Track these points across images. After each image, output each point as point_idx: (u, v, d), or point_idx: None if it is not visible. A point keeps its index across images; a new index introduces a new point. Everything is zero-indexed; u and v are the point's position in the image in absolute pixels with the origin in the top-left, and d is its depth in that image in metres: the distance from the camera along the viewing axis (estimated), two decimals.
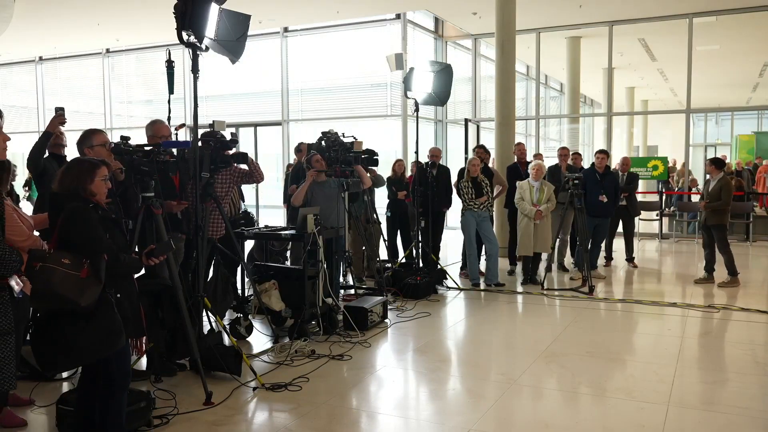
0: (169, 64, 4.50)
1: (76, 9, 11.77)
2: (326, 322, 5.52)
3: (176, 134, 4.95)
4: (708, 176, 7.88)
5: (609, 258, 9.04)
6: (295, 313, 5.49)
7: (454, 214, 12.69)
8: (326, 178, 6.26)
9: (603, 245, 8.59)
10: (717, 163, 7.60)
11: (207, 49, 4.38)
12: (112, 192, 3.60)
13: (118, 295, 3.05)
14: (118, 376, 3.13)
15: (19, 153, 17.64)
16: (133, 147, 4.16)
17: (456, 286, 7.54)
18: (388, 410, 4.04)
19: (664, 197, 13.70)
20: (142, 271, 3.88)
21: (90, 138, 4.18)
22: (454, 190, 8.11)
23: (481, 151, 8.23)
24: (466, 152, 12.74)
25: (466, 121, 13.15)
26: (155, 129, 4.78)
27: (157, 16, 11.45)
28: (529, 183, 7.52)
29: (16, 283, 3.20)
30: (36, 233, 3.74)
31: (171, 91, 4.50)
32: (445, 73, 7.45)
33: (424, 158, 8.02)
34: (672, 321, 6.07)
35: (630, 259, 8.95)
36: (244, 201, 7.29)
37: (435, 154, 8.21)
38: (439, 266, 7.79)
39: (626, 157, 9.31)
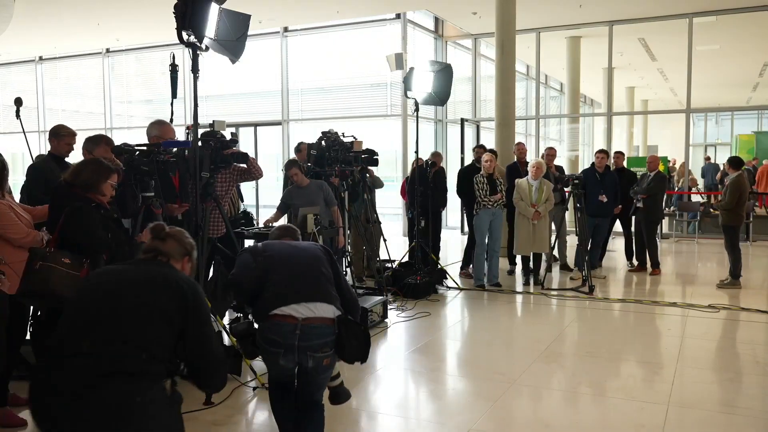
0: (173, 68, 4.48)
1: (76, 9, 11.76)
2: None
3: (188, 134, 4.95)
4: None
5: (656, 265, 8.32)
6: None
7: (453, 214, 12.77)
8: (308, 181, 6.32)
9: (648, 254, 8.29)
10: (731, 162, 7.57)
11: (207, 48, 4.37)
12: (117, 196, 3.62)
13: None
14: None
15: (19, 153, 17.68)
16: (134, 146, 4.16)
17: (456, 286, 7.54)
18: (388, 410, 4.04)
19: (664, 197, 13.68)
20: None
21: (97, 146, 4.17)
22: (452, 191, 8.08)
23: (481, 150, 8.22)
24: (462, 152, 12.75)
25: (462, 120, 13.14)
26: (162, 131, 4.74)
27: (157, 16, 11.44)
28: (528, 182, 7.51)
29: None
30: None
31: (174, 95, 4.47)
32: (445, 73, 7.44)
33: (426, 158, 8.02)
34: (672, 321, 6.07)
35: (654, 265, 8.35)
36: (243, 201, 7.28)
37: (437, 159, 8.23)
38: (439, 266, 7.79)
39: (654, 156, 8.73)
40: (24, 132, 5.60)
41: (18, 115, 5.53)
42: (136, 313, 2.11)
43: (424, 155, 8.10)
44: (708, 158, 19.18)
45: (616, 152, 8.88)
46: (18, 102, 5.62)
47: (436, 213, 8.09)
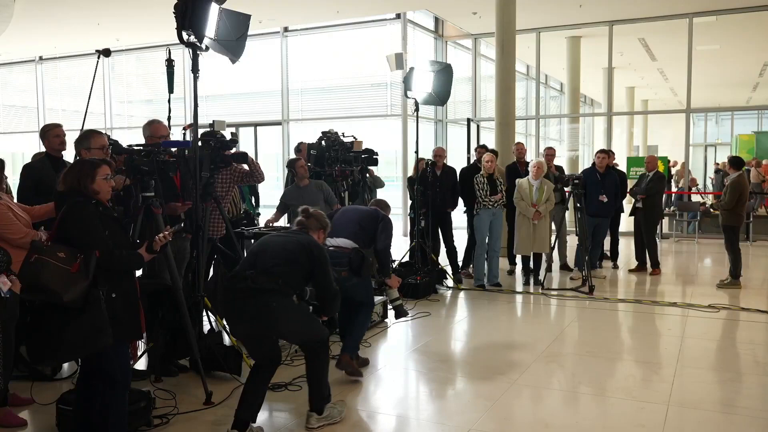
0: (169, 63, 4.51)
1: (76, 9, 11.76)
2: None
3: (184, 134, 4.95)
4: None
5: (655, 265, 8.33)
6: None
7: (457, 215, 12.76)
8: (308, 181, 6.32)
9: (648, 254, 8.27)
10: (732, 162, 7.57)
11: (207, 48, 4.37)
12: (119, 196, 3.62)
13: (113, 295, 3.01)
14: (118, 375, 3.12)
15: (19, 152, 17.68)
16: (133, 147, 4.16)
17: (456, 286, 7.53)
18: (388, 410, 4.04)
19: (664, 197, 13.67)
20: (140, 272, 3.87)
21: (88, 140, 4.16)
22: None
23: (483, 150, 8.21)
24: (469, 152, 12.75)
25: (469, 120, 13.14)
26: (153, 129, 4.75)
27: (157, 16, 11.44)
28: (529, 182, 7.51)
29: (2, 282, 3.15)
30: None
31: (171, 90, 4.51)
32: (445, 73, 7.44)
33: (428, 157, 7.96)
34: (672, 321, 6.07)
35: (654, 264, 8.37)
36: (258, 206, 7.28)
37: (438, 153, 7.94)
38: (439, 266, 7.77)
39: (652, 156, 8.71)
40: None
41: None
42: (279, 258, 3.51)
43: (424, 155, 8.05)
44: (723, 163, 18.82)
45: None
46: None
47: (444, 214, 7.77)
